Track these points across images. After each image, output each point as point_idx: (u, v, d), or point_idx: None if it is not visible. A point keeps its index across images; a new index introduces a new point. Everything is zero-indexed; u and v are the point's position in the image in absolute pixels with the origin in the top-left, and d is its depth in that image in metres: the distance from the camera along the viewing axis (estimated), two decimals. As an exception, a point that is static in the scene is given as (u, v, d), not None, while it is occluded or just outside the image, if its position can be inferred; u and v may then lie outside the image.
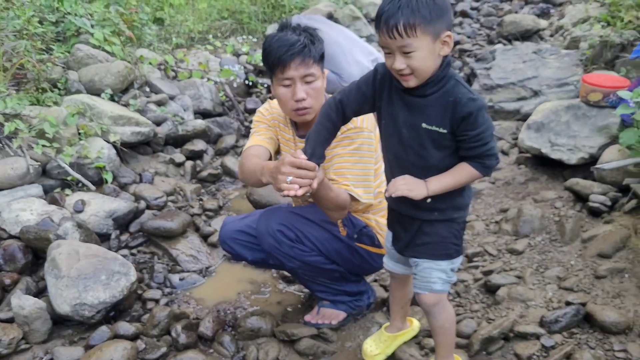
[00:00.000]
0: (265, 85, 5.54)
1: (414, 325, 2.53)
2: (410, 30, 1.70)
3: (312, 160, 1.95)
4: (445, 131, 1.83)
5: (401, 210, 2.06)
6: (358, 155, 2.33)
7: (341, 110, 2.00)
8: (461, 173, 1.89)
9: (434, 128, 1.84)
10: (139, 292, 3.02)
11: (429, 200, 1.92)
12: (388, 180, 2.04)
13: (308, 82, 2.31)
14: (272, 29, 6.78)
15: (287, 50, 2.25)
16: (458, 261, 2.10)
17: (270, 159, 2.50)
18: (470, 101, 1.78)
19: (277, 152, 2.63)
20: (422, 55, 1.74)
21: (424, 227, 2.02)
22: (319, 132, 2.00)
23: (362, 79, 1.98)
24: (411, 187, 1.90)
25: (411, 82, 1.80)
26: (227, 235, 2.62)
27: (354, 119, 2.16)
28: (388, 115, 1.95)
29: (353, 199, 2.34)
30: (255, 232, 2.48)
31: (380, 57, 4.62)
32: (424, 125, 1.85)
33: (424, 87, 1.82)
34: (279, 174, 1.95)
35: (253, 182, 2.35)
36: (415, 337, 2.54)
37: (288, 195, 1.92)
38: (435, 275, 2.05)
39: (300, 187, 1.91)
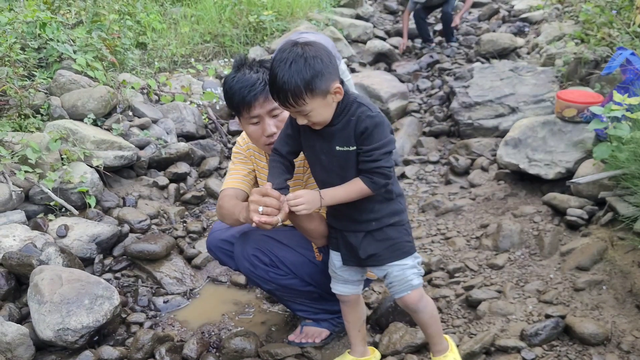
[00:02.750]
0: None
1: (376, 354, 2.56)
2: (300, 101, 1.90)
3: (284, 190, 2.08)
4: (353, 148, 2.02)
5: (341, 227, 2.21)
6: None
7: (281, 155, 2.18)
8: (353, 187, 2.06)
9: (344, 148, 2.02)
10: (123, 315, 3.01)
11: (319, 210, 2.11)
12: None
13: (275, 115, 2.33)
14: (254, 51, 6.85)
15: (249, 91, 2.26)
16: (418, 256, 2.27)
17: (246, 198, 2.51)
18: (368, 118, 1.97)
19: (256, 182, 2.65)
20: (317, 112, 1.95)
21: (375, 235, 2.16)
22: (273, 171, 2.15)
23: (285, 123, 2.20)
24: (308, 205, 2.04)
25: (317, 127, 2.03)
26: (213, 243, 2.68)
27: None
28: (307, 146, 2.15)
29: None
30: None
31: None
32: (337, 148, 2.03)
33: (331, 120, 2.02)
34: (250, 205, 2.04)
35: (231, 222, 2.39)
36: (397, 353, 2.56)
37: (258, 223, 1.99)
38: (410, 272, 2.20)
39: (268, 215, 1.99)
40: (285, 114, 2.35)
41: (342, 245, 2.25)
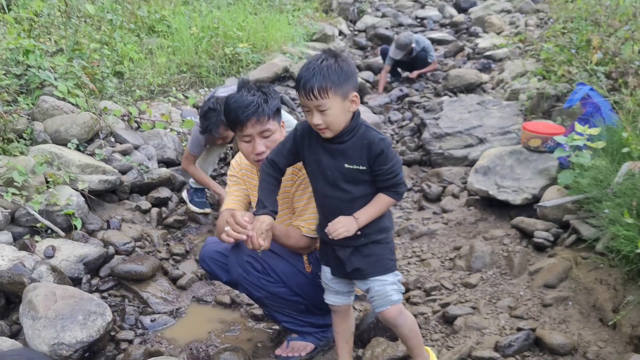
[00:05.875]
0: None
1: None
2: (323, 93, 2.10)
3: (265, 211, 2.30)
4: (364, 168, 2.23)
5: (332, 241, 2.35)
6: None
7: (275, 167, 2.38)
8: (381, 203, 2.29)
9: (354, 167, 2.23)
10: (112, 333, 3.08)
11: (359, 232, 2.28)
12: (321, 216, 2.42)
13: (266, 136, 2.55)
14: (230, 82, 7.03)
15: (242, 111, 2.49)
16: (399, 274, 2.44)
17: None
18: (381, 141, 2.20)
19: (250, 201, 2.84)
20: (335, 113, 2.14)
21: (361, 250, 2.34)
22: (263, 188, 2.37)
23: (286, 138, 2.40)
24: (347, 227, 2.25)
25: (328, 134, 2.21)
26: (207, 254, 2.82)
27: None
28: (312, 162, 2.33)
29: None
30: None
31: None
32: (346, 165, 2.24)
33: (341, 135, 2.22)
34: (225, 227, 2.32)
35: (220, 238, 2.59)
36: (382, 364, 2.70)
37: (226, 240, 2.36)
38: (390, 288, 2.36)
39: (234, 238, 2.32)
40: (275, 135, 2.56)
41: (332, 259, 2.42)
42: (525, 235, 3.66)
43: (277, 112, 2.59)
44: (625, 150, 3.18)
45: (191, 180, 4.58)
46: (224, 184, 4.94)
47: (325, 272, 2.49)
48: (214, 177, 5.17)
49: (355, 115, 2.22)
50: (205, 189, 4.66)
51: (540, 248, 3.50)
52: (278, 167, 2.37)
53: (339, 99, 2.13)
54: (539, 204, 3.58)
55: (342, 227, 2.24)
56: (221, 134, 4.11)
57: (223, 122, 3.95)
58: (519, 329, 2.80)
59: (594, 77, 4.53)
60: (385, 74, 7.94)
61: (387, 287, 2.36)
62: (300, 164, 2.51)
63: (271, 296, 2.67)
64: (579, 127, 3.47)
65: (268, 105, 2.52)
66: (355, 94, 2.19)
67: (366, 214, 2.27)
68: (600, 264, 3.03)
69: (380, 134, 2.25)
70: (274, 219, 2.35)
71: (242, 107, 2.49)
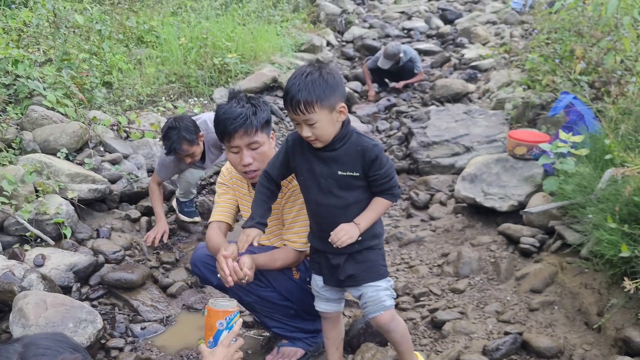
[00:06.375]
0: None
1: None
2: (309, 108, 2.12)
3: (251, 223, 2.34)
4: (358, 174, 2.25)
5: (326, 249, 2.38)
6: (304, 209, 2.56)
7: (270, 178, 2.41)
8: (379, 206, 2.32)
9: (348, 173, 2.25)
10: (103, 341, 3.09)
11: (360, 238, 2.28)
12: (314, 225, 2.44)
13: (253, 148, 2.56)
14: (218, 92, 7.07)
15: (230, 123, 2.50)
16: (391, 280, 2.47)
17: (230, 227, 2.83)
18: (375, 147, 2.24)
19: (239, 209, 2.87)
20: (323, 125, 2.17)
21: (355, 257, 2.36)
22: (256, 199, 2.41)
23: (279, 150, 2.43)
24: (350, 234, 2.25)
25: (318, 145, 2.24)
26: (198, 258, 2.83)
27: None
28: (305, 170, 2.34)
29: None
30: None
31: None
32: (339, 172, 2.25)
33: (333, 143, 2.24)
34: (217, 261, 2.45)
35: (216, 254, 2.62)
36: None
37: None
38: (383, 294, 2.39)
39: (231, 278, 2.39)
40: (264, 147, 2.58)
41: (325, 267, 2.43)
42: (512, 241, 3.71)
43: (267, 124, 2.59)
44: (608, 157, 3.24)
45: (179, 189, 4.58)
46: (214, 193, 4.97)
47: (317, 280, 2.51)
48: (203, 187, 5.21)
49: (345, 123, 2.25)
50: (194, 198, 4.67)
51: (526, 254, 3.55)
52: (272, 179, 2.40)
53: (326, 112, 2.14)
54: (525, 210, 3.64)
55: (345, 234, 2.24)
56: (186, 151, 4.05)
57: (185, 138, 3.96)
58: (507, 333, 2.85)
59: (577, 86, 4.61)
60: (368, 78, 8.02)
61: (380, 293, 2.38)
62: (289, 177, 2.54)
63: (261, 300, 2.70)
64: (563, 134, 3.54)
65: (256, 118, 2.52)
66: (343, 104, 2.20)
67: (366, 218, 2.29)
68: (585, 268, 3.09)
69: (373, 140, 2.28)
70: (263, 231, 2.37)
71: (230, 119, 2.49)
